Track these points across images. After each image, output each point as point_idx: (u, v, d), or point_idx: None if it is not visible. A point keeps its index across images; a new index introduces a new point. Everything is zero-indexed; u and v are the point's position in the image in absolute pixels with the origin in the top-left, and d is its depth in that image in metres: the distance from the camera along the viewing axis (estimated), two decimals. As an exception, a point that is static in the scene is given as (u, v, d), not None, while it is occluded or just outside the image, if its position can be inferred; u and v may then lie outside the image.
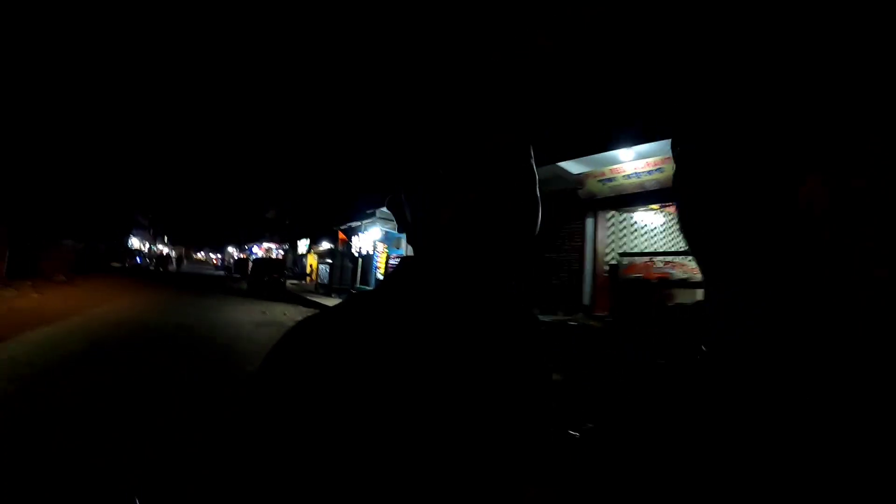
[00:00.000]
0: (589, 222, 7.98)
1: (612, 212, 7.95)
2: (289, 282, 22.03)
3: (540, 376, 0.66)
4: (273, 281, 18.13)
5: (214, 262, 56.63)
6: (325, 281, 17.77)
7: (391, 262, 16.78)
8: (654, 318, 5.54)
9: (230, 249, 52.24)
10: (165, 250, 49.59)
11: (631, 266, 6.39)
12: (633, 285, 6.12)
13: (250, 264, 21.41)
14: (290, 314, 12.15)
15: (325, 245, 22.16)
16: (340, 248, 19.81)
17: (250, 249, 39.82)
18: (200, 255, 67.00)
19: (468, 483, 0.52)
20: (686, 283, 5.72)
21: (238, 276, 25.14)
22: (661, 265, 6.06)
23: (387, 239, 17.72)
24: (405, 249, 15.90)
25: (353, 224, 18.90)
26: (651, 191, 7.05)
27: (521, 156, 0.60)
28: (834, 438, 0.35)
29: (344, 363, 0.51)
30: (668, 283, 5.77)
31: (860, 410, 0.35)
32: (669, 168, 6.71)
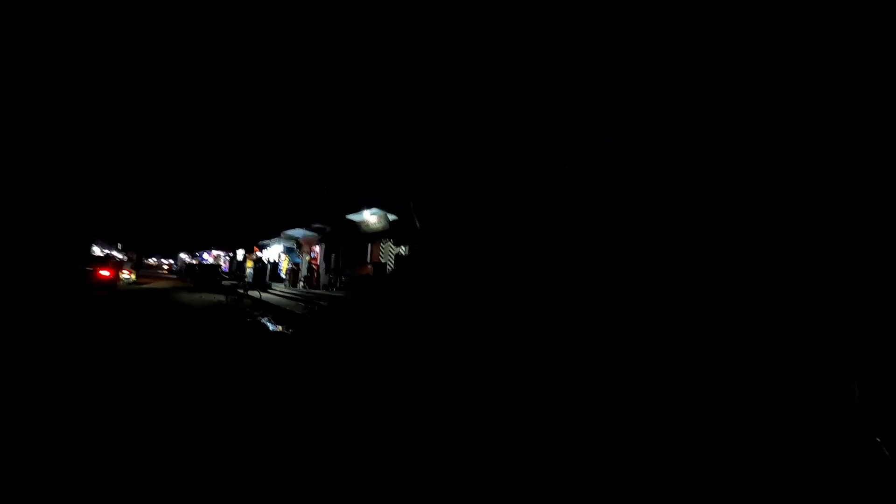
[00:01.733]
0: (369, 245, 17.86)
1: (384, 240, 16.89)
2: (230, 281, 29.87)
3: (536, 375, 0.65)
4: (211, 280, 26.63)
5: (168, 267, 62.41)
6: (250, 280, 25.62)
7: (290, 266, 25.63)
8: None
9: (182, 255, 57.49)
10: (120, 256, 52.53)
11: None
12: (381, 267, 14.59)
13: (197, 269, 30.02)
14: (216, 298, 19.42)
15: (258, 254, 31.00)
16: (258, 256, 28.77)
17: (201, 256, 46.69)
18: (152, 260, 70.51)
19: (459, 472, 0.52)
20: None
21: (187, 277, 33.15)
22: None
23: (288, 251, 27.02)
24: (301, 259, 25.06)
25: (263, 241, 28.50)
26: (381, 232, 16.24)
27: (521, 156, 0.61)
28: (832, 435, 0.35)
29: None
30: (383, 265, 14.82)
31: (859, 407, 0.35)
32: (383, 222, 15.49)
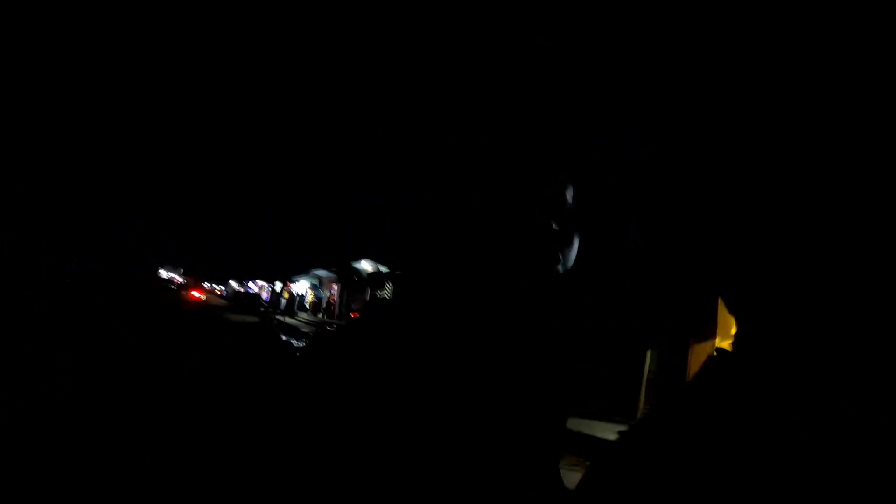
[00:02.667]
0: (367, 289, 21.58)
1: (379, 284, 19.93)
2: (265, 308, 36.38)
3: (539, 382, 0.65)
4: (251, 305, 32.84)
5: (219, 292, 71.95)
6: (282, 308, 33.49)
7: (314, 299, 31.37)
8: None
9: (232, 283, 67.58)
10: (181, 280, 60.45)
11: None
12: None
13: (242, 297, 38.71)
14: (251, 318, 23.25)
15: (290, 287, 38.30)
16: (289, 289, 36.46)
17: (247, 284, 56.45)
18: (206, 285, 76.31)
19: (462, 479, 0.52)
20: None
21: (234, 302, 41.94)
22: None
23: (313, 287, 32.42)
24: (323, 294, 30.09)
25: (294, 277, 35.50)
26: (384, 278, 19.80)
27: (521, 156, 0.60)
28: (833, 438, 0.34)
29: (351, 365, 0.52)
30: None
31: (860, 410, 0.35)
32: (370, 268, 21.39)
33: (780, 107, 0.44)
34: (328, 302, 28.77)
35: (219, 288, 78.47)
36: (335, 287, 28.00)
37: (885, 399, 0.40)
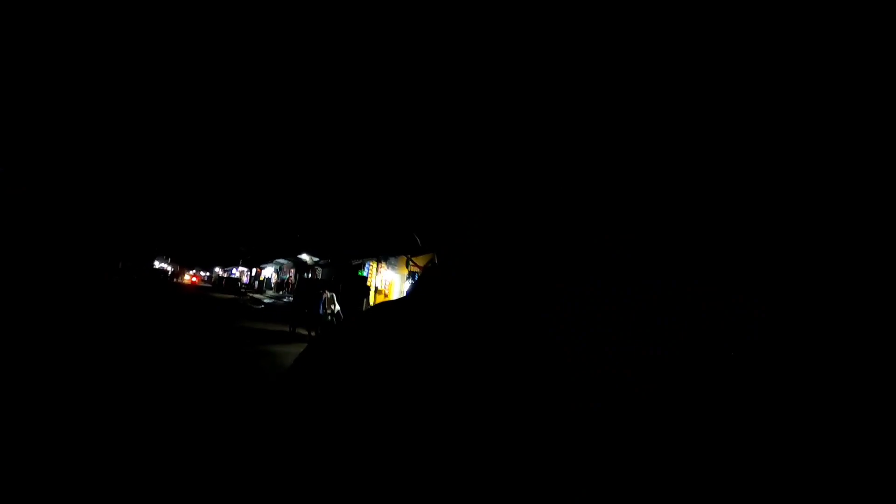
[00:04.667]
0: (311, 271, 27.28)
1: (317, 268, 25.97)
2: (242, 288, 44.57)
3: (540, 387, 0.64)
4: (230, 287, 40.50)
5: (205, 277, 79.74)
6: (255, 287, 40.48)
7: (277, 280, 40.41)
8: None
9: (217, 269, 74.72)
10: (169, 269, 67.46)
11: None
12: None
13: (223, 280, 47.73)
14: (231, 297, 29.81)
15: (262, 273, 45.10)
16: (260, 273, 43.93)
17: (230, 271, 65.22)
18: (192, 272, 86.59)
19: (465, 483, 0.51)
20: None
21: (217, 285, 48.33)
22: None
23: (277, 271, 40.72)
24: (287, 275, 37.48)
25: (262, 265, 43.79)
26: (315, 265, 27.41)
27: (521, 157, 0.60)
28: (833, 437, 0.34)
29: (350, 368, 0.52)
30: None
31: (859, 409, 0.35)
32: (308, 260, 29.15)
33: (779, 108, 0.43)
34: (287, 282, 36.97)
35: (204, 275, 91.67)
36: (292, 271, 36.23)
37: (885, 399, 0.40)
